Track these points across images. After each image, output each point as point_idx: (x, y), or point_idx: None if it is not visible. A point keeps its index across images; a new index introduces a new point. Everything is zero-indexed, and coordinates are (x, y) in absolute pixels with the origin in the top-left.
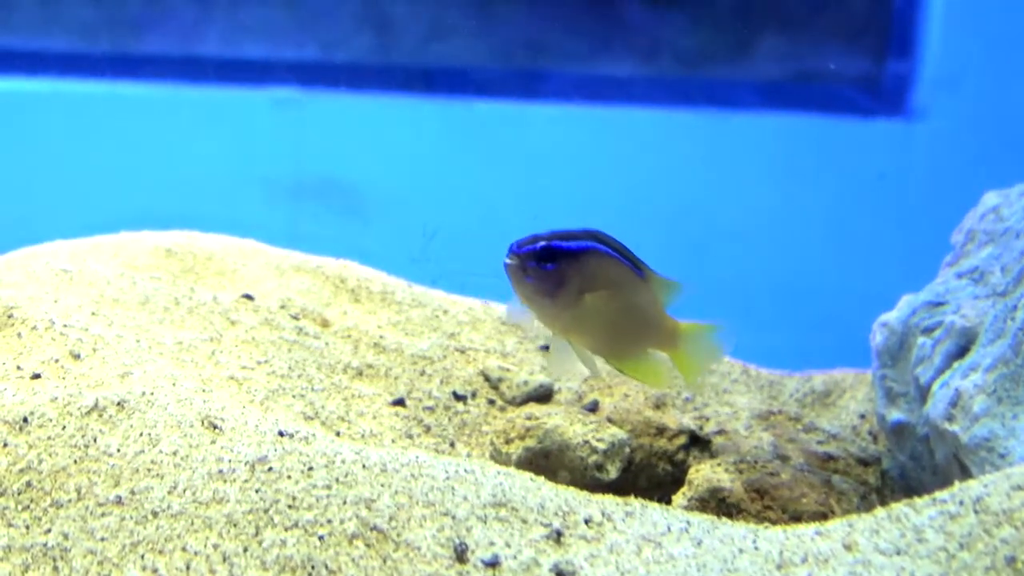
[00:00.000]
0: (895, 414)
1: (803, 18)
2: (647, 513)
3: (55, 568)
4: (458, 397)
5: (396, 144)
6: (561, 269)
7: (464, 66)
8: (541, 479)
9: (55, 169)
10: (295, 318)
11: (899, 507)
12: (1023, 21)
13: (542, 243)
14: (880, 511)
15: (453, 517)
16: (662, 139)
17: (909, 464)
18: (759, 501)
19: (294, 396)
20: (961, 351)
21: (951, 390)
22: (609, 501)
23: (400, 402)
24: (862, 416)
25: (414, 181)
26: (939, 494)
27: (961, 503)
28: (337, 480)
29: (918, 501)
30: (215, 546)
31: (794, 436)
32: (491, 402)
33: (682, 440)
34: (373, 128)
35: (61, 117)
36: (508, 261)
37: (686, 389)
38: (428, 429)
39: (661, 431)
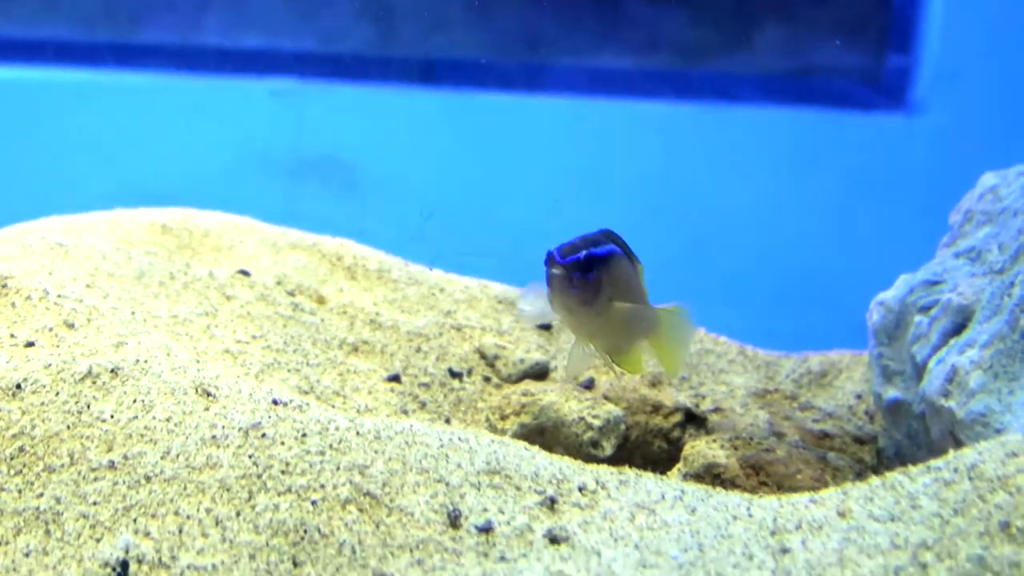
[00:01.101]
0: (891, 392)
1: (803, 12)
2: (641, 482)
3: (47, 532)
4: (454, 374)
5: (394, 131)
6: (599, 277)
7: (463, 58)
8: (535, 448)
9: (53, 156)
10: (291, 294)
11: (894, 475)
12: (1022, 15)
13: (584, 252)
14: (875, 479)
15: (447, 484)
16: (661, 132)
17: (905, 442)
18: (754, 477)
19: (289, 370)
20: (958, 328)
21: (947, 366)
22: (604, 470)
23: (396, 378)
24: (859, 396)
25: (411, 162)
26: (934, 462)
27: (956, 470)
28: (331, 446)
29: (912, 469)
30: (208, 510)
31: (790, 414)
32: (487, 379)
33: (678, 418)
34: (371, 118)
35: (60, 106)
36: (555, 272)
37: (670, 374)
38: (423, 405)
39: (657, 409)
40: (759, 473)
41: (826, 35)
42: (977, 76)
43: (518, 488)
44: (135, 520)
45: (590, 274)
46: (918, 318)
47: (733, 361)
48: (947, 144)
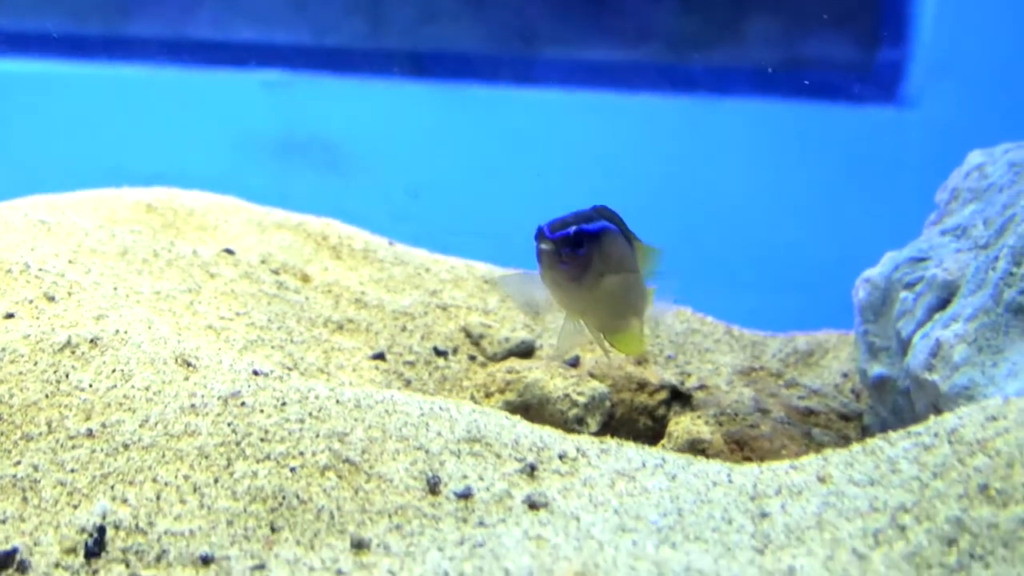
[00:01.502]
0: (877, 368)
1: (795, 5)
2: (622, 451)
3: (24, 499)
4: (439, 352)
5: (383, 117)
6: (589, 253)
7: (455, 50)
8: (517, 417)
9: (42, 148)
10: (276, 273)
11: (874, 441)
12: (1014, 8)
13: (573, 228)
14: (855, 446)
15: (426, 451)
16: (652, 123)
17: (890, 418)
18: (739, 452)
19: (273, 347)
20: (943, 303)
21: (932, 340)
22: (585, 439)
23: (380, 356)
24: (845, 375)
25: (398, 144)
26: (914, 427)
27: (936, 435)
28: (310, 414)
29: (893, 435)
30: (186, 477)
31: (775, 391)
32: (472, 358)
33: (663, 395)
34: (361, 105)
35: (48, 97)
36: (544, 247)
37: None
38: (408, 383)
39: (642, 386)
40: (743, 448)
41: (818, 27)
42: (969, 69)
43: (498, 456)
44: (112, 487)
45: (580, 250)
46: (903, 294)
47: (719, 341)
48: (939, 136)
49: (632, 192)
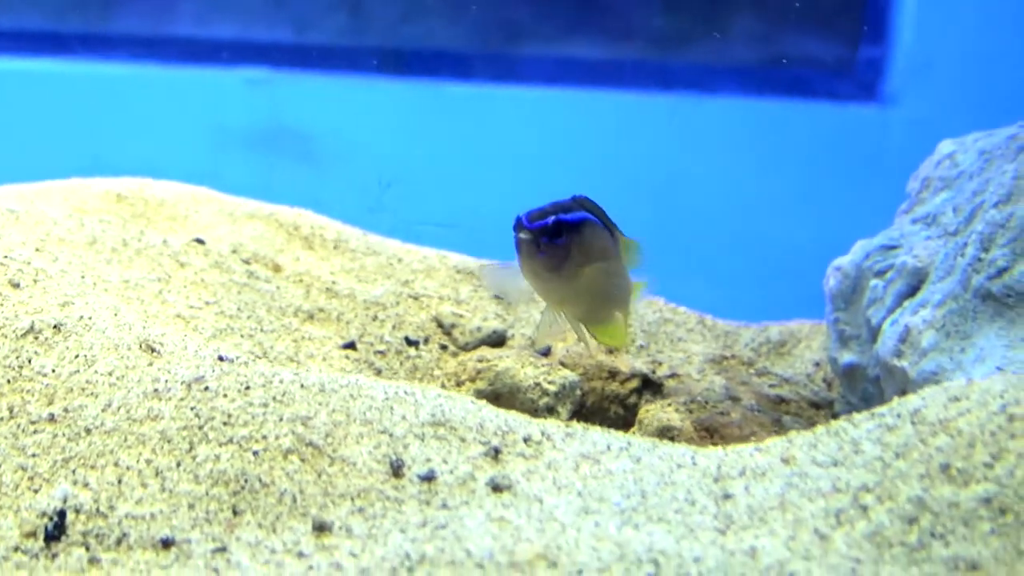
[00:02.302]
0: (847, 356)
1: (777, 3)
2: (588, 435)
3: None
4: (410, 342)
5: (359, 111)
6: (568, 243)
7: (436, 47)
8: (483, 402)
9: (18, 146)
10: (246, 262)
11: (839, 423)
12: (995, 6)
13: (552, 217)
14: (820, 428)
15: (390, 435)
16: (632, 121)
17: (861, 406)
18: (708, 439)
19: (242, 336)
20: (912, 290)
21: (901, 327)
22: (551, 423)
23: (351, 345)
24: (817, 364)
25: (372, 135)
26: (878, 408)
27: (899, 415)
28: (274, 398)
29: (857, 416)
30: (148, 461)
31: (746, 379)
32: (443, 347)
33: (634, 384)
34: (340, 103)
35: (29, 95)
36: (523, 236)
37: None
38: (379, 372)
39: (613, 375)
40: (713, 436)
41: (799, 26)
42: (949, 67)
43: (463, 439)
44: (74, 471)
45: (559, 239)
46: (874, 282)
47: (692, 330)
48: (919, 134)
49: (610, 187)
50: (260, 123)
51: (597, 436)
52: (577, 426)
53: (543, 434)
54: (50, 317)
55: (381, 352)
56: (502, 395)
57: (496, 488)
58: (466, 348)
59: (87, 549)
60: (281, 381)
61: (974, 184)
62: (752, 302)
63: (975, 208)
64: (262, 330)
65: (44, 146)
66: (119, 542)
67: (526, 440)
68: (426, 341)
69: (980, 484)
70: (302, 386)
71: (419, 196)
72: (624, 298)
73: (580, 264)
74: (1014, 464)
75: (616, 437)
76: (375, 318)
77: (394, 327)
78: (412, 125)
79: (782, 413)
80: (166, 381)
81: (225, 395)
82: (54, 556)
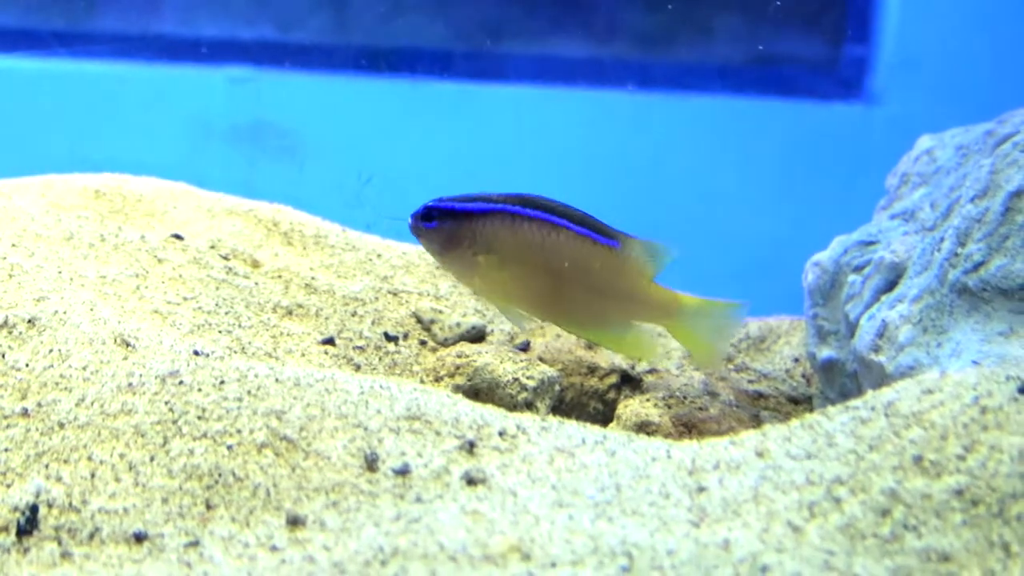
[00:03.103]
0: (825, 351)
1: (761, 2)
2: (563, 428)
3: None
4: (389, 338)
5: (342, 112)
6: (445, 228)
7: (419, 46)
8: (459, 396)
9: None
10: (225, 258)
11: (813, 416)
12: (978, 5)
13: (426, 204)
14: (794, 421)
15: (365, 429)
16: (616, 119)
17: (839, 401)
18: (687, 434)
19: (220, 332)
20: (890, 286)
21: (878, 322)
22: (527, 417)
23: (330, 341)
24: (796, 360)
25: (352, 131)
26: (852, 402)
27: (873, 408)
28: (249, 393)
29: (831, 409)
30: (121, 455)
31: (725, 375)
32: (423, 343)
33: (613, 379)
34: (322, 102)
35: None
36: (408, 222)
37: (698, 365)
38: (358, 368)
39: (592, 370)
40: (691, 431)
41: (784, 25)
42: (934, 65)
43: (438, 433)
44: (47, 466)
45: (430, 223)
46: (852, 277)
47: None
48: (903, 132)
49: (591, 183)
50: (241, 120)
51: (572, 430)
52: (552, 420)
53: (518, 428)
54: (24, 312)
55: (360, 348)
56: (481, 391)
57: (470, 481)
58: (445, 344)
59: (59, 544)
60: (256, 375)
61: (951, 180)
62: (732, 298)
63: (952, 203)
64: (240, 326)
65: (21, 145)
66: (92, 536)
67: (501, 434)
68: (405, 337)
69: (952, 476)
70: (277, 380)
71: (399, 193)
72: (645, 309)
73: (476, 252)
74: (986, 456)
75: (591, 431)
76: (354, 314)
77: (373, 323)
78: (393, 123)
79: (760, 408)
80: (140, 376)
81: (200, 389)
82: (26, 551)
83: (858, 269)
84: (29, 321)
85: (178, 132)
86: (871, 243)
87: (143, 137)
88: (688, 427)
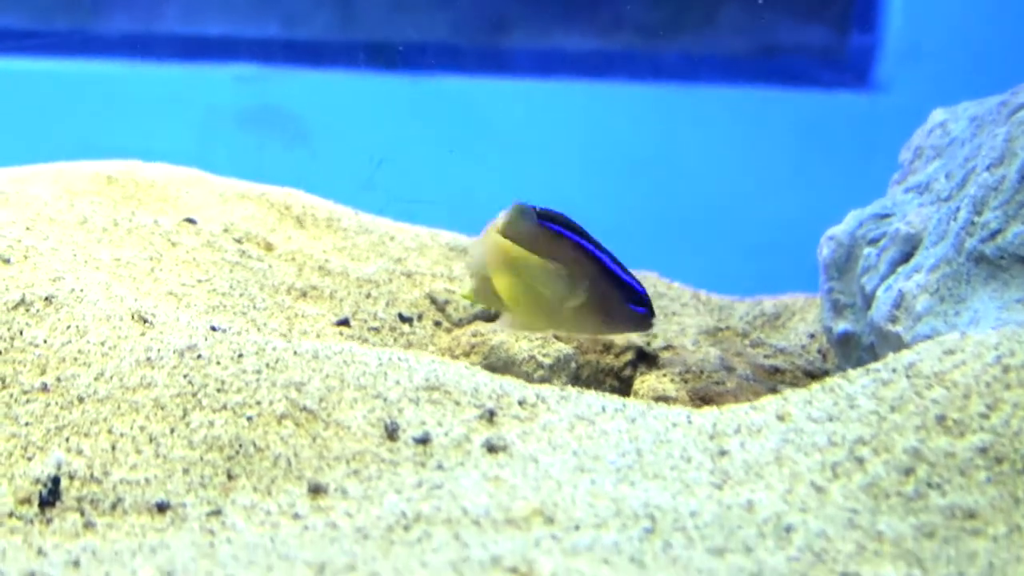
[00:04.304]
0: (841, 325)
1: None
2: (582, 397)
3: None
4: (404, 319)
5: (352, 105)
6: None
7: (426, 41)
8: (477, 367)
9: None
10: (238, 241)
11: (834, 379)
12: None
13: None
14: (815, 385)
15: (385, 399)
16: (622, 111)
17: None
18: (704, 408)
19: (235, 313)
20: (906, 257)
21: (895, 292)
22: (545, 387)
23: (345, 322)
24: (811, 336)
25: (362, 112)
26: (873, 364)
27: (894, 370)
28: (267, 365)
29: (852, 372)
30: (141, 428)
31: (741, 350)
32: (437, 324)
33: (629, 356)
34: (331, 97)
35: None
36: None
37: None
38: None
39: (608, 347)
40: (709, 405)
41: (789, 14)
42: (940, 54)
43: (457, 403)
44: (67, 439)
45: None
46: (867, 250)
47: (686, 304)
48: (910, 121)
49: (601, 175)
50: (250, 111)
51: (591, 398)
52: (572, 389)
53: (538, 397)
54: (41, 290)
55: (375, 329)
56: (496, 369)
57: (491, 449)
58: (460, 324)
59: (82, 514)
60: (274, 349)
61: (966, 150)
62: (745, 280)
63: (967, 173)
64: (255, 307)
65: (31, 147)
66: (114, 507)
67: (521, 403)
68: (420, 318)
69: (976, 434)
70: (295, 353)
71: (410, 180)
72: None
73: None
74: (1009, 414)
75: (611, 399)
76: (368, 295)
77: (387, 304)
78: (401, 120)
79: (777, 383)
80: (159, 350)
81: (218, 362)
82: (49, 521)
83: (873, 242)
84: (46, 299)
85: (187, 125)
86: (886, 216)
87: (153, 131)
88: (705, 401)
